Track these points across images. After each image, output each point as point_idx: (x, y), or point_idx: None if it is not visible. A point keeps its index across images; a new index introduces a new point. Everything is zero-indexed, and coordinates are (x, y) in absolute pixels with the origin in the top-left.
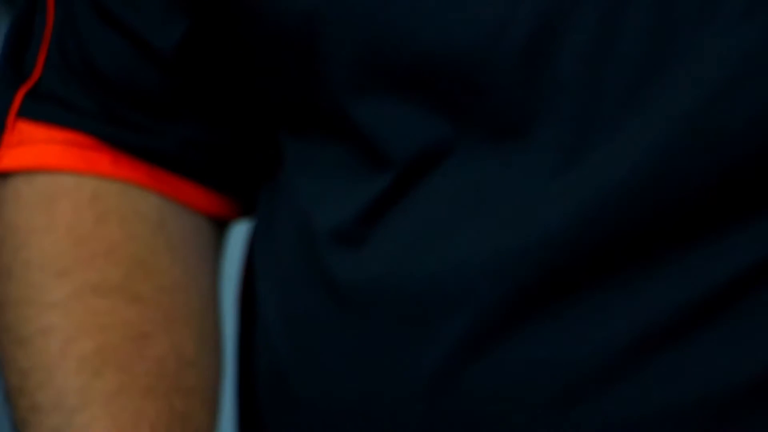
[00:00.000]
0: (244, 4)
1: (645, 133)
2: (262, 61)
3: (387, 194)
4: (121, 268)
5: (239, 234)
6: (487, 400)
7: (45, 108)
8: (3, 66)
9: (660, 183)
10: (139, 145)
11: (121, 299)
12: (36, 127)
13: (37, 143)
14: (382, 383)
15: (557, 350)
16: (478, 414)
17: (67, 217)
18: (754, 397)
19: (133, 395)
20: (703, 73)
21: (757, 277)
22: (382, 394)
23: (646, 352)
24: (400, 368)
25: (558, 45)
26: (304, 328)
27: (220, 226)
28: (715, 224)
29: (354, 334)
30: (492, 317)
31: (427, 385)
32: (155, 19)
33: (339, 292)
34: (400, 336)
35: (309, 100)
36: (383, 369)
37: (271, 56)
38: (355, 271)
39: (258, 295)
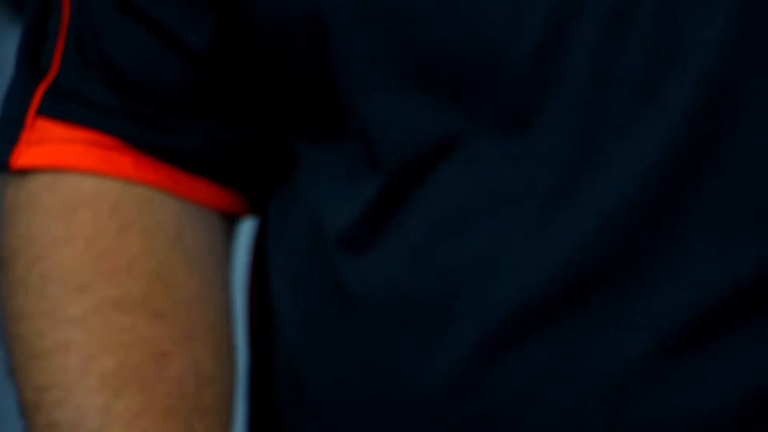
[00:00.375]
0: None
1: (657, 128)
2: (273, 56)
3: (388, 196)
4: (142, 283)
5: (243, 230)
6: (507, 403)
7: (66, 106)
8: (20, 63)
9: (676, 177)
10: (160, 144)
11: (142, 316)
12: (57, 126)
13: (57, 142)
14: (396, 385)
15: (576, 355)
16: (498, 416)
17: (87, 229)
18: None
19: (155, 417)
20: (707, 68)
21: None
22: (397, 395)
23: (665, 358)
24: (414, 370)
25: (571, 39)
26: (318, 330)
27: (231, 222)
28: (733, 223)
29: (364, 337)
30: (510, 322)
31: (445, 388)
32: (186, 15)
33: (348, 297)
34: (412, 339)
35: (322, 98)
36: (397, 371)
37: (280, 52)
38: (364, 276)
39: (272, 293)
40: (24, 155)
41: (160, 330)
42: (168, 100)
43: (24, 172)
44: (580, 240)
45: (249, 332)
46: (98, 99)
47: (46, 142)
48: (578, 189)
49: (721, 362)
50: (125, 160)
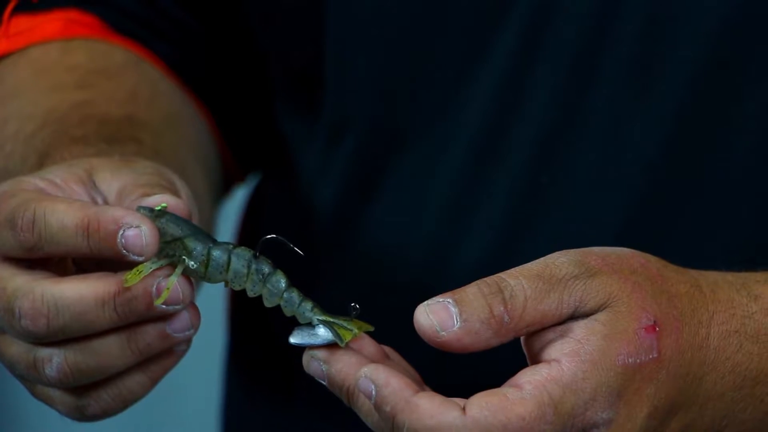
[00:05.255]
0: None
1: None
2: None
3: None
4: (77, 73)
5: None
6: None
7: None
8: None
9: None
10: (132, 29)
11: (71, 89)
12: (31, 17)
13: (29, 30)
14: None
15: None
16: None
17: (34, 54)
18: None
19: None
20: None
21: None
22: None
23: None
24: None
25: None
26: None
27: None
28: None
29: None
30: None
31: None
32: None
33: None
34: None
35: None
36: None
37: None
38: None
39: None
40: (2, 46)
41: (85, 94)
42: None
43: (2, 59)
44: None
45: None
46: None
47: (21, 33)
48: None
49: None
50: (90, 29)
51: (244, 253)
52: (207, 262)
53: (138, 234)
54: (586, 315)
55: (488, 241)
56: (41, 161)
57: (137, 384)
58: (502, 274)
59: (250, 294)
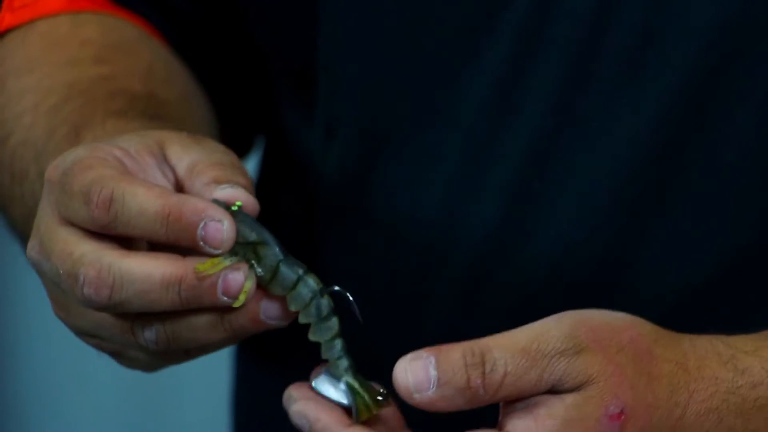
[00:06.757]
0: None
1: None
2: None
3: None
4: (93, 48)
5: None
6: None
7: None
8: None
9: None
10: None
11: (90, 64)
12: None
13: (34, 3)
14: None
15: None
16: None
17: (42, 27)
18: None
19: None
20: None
21: None
22: None
23: None
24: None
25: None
26: None
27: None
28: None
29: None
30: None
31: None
32: None
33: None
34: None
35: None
36: None
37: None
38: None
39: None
40: (7, 20)
41: (105, 69)
42: None
43: (7, 32)
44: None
45: None
46: None
47: (25, 6)
48: (558, 161)
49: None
50: (94, 3)
51: (313, 283)
52: (274, 274)
53: (219, 228)
54: (560, 392)
55: (482, 244)
56: (78, 131)
57: (223, 342)
58: (491, 343)
59: (301, 320)
